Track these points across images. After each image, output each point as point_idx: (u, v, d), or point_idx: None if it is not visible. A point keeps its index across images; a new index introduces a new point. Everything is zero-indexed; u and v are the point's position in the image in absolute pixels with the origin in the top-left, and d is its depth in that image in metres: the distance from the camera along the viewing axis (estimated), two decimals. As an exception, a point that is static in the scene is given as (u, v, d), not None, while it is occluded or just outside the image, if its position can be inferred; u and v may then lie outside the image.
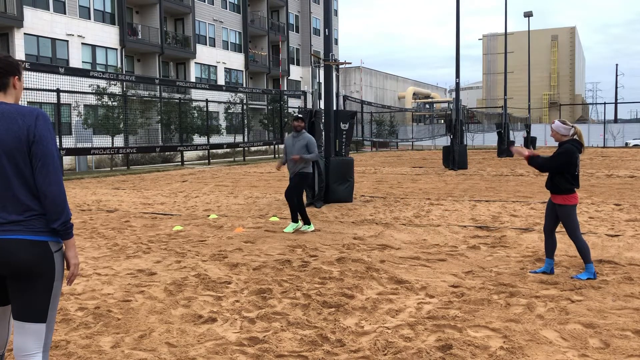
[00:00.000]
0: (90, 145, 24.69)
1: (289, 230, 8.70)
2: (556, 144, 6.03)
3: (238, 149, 35.52)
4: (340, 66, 13.85)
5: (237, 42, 49.07)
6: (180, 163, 29.81)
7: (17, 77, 2.73)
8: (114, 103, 27.10)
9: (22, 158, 2.60)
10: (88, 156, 26.31)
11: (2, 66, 2.67)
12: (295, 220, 8.82)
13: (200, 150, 29.90)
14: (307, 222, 8.80)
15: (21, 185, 2.61)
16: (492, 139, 48.29)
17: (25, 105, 2.77)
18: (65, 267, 2.76)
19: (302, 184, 8.74)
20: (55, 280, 2.69)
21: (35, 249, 2.61)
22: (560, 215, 5.88)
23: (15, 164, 2.59)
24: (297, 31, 58.43)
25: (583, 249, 5.83)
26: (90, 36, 34.73)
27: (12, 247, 2.57)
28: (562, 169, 5.74)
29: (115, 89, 28.77)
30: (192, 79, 42.33)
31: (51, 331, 2.76)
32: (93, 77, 21.35)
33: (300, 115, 8.98)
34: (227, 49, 47.61)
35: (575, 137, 5.88)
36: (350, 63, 14.04)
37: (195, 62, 43.72)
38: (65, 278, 2.71)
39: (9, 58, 2.73)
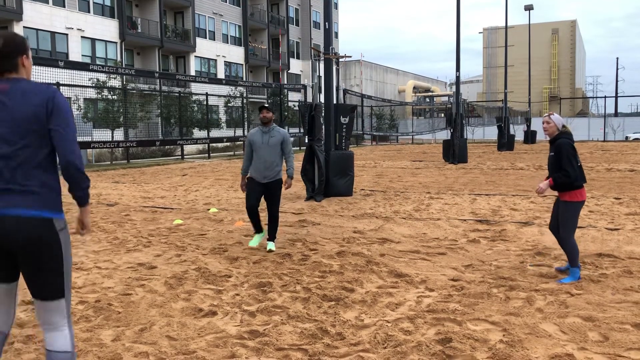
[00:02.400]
0: (90, 139, 24.67)
1: (255, 244, 7.15)
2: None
3: (238, 142, 35.49)
4: (341, 60, 13.81)
5: (237, 36, 48.95)
6: (180, 157, 29.80)
7: (25, 55, 2.77)
8: (113, 97, 27.04)
9: (41, 132, 2.67)
10: (88, 150, 26.30)
11: (10, 48, 2.71)
12: (260, 229, 7.17)
13: (200, 144, 29.88)
14: (273, 237, 7.13)
15: (40, 158, 2.68)
16: (492, 132, 48.27)
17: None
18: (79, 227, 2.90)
19: (280, 193, 7.06)
20: (64, 256, 2.77)
21: (41, 225, 2.66)
22: (563, 212, 5.60)
23: (34, 138, 2.67)
24: (297, 24, 58.27)
25: (573, 252, 5.57)
26: (90, 29, 34.64)
27: (18, 223, 2.63)
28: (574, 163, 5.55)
29: (115, 82, 28.70)
30: (192, 73, 42.27)
31: (70, 299, 2.87)
32: (93, 70, 21.27)
33: (267, 105, 6.96)
34: (227, 43, 47.50)
35: (564, 129, 5.72)
36: (350, 57, 14.01)
37: (195, 56, 43.64)
38: (78, 230, 2.89)
39: (16, 38, 2.76)
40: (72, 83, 23.08)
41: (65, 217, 2.83)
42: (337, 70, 13.46)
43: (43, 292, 2.74)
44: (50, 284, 2.74)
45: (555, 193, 6.01)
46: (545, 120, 5.71)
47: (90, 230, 2.94)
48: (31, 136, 2.66)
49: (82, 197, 2.80)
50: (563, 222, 5.62)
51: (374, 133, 45.36)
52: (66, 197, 3.41)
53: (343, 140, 12.95)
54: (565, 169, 5.47)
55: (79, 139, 25.01)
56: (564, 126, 5.70)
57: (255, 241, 7.16)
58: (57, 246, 2.72)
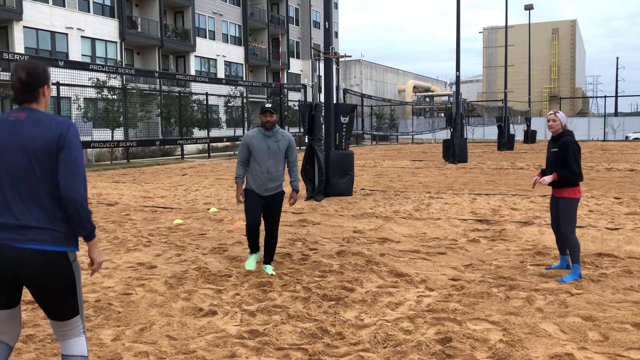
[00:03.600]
0: (90, 139, 24.67)
1: (252, 266, 6.09)
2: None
3: (238, 142, 35.47)
4: (341, 59, 13.81)
5: (237, 35, 48.94)
6: (180, 156, 29.80)
7: (45, 86, 2.76)
8: (113, 96, 27.05)
9: (52, 164, 2.65)
10: (88, 150, 26.29)
11: (31, 79, 2.69)
12: (257, 249, 6.18)
13: (200, 143, 29.89)
14: (271, 258, 6.16)
15: (51, 191, 2.66)
16: (492, 132, 48.26)
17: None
18: (89, 264, 2.90)
19: (281, 208, 6.13)
20: (77, 283, 2.80)
21: (56, 262, 2.67)
22: (562, 209, 5.64)
23: (45, 170, 2.65)
24: (297, 24, 58.26)
25: (575, 248, 5.58)
26: (90, 29, 34.63)
27: (33, 257, 2.62)
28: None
29: (115, 82, 28.71)
30: (192, 72, 42.26)
31: (83, 311, 2.90)
32: (92, 70, 21.30)
33: (268, 107, 5.82)
34: (227, 42, 47.49)
35: (567, 127, 5.76)
36: (350, 56, 14.01)
37: (195, 55, 43.62)
38: (89, 270, 2.90)
39: (38, 68, 2.72)
40: (72, 83, 23.07)
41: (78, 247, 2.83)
42: (337, 69, 13.46)
43: (58, 315, 2.78)
44: (65, 309, 2.77)
45: (550, 190, 6.02)
46: (552, 118, 5.72)
47: (101, 264, 2.91)
48: (43, 168, 2.63)
49: (87, 235, 2.75)
50: (564, 220, 5.65)
51: (374, 133, 45.36)
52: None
53: (343, 140, 12.95)
54: (571, 166, 5.50)
55: (80, 138, 25.01)
56: (566, 124, 5.74)
57: (252, 263, 6.11)
58: (71, 276, 2.74)
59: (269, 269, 5.98)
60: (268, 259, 6.08)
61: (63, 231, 2.68)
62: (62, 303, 2.74)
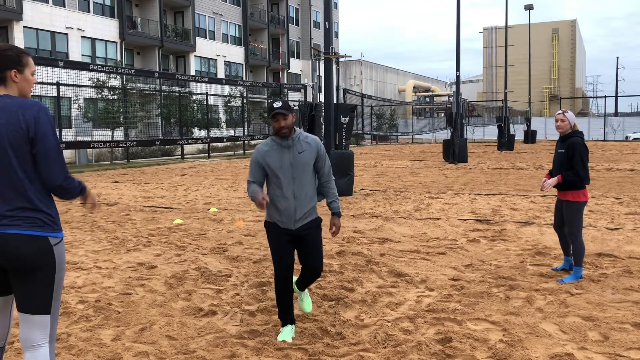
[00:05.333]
0: (90, 139, 24.68)
1: (288, 338, 4.16)
2: (557, 137, 5.77)
3: (238, 142, 35.50)
4: (341, 59, 13.81)
5: (237, 35, 48.93)
6: (180, 156, 29.80)
7: (14, 70, 2.68)
8: (113, 96, 27.06)
9: (24, 151, 2.61)
10: (88, 150, 26.30)
11: None
12: (293, 319, 4.27)
13: (200, 143, 29.89)
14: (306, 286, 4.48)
15: (24, 178, 2.62)
16: (492, 132, 48.26)
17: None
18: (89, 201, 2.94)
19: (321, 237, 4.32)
20: (57, 272, 2.71)
21: (35, 244, 2.63)
22: (567, 213, 5.57)
23: (17, 157, 2.61)
24: (297, 24, 58.25)
25: (580, 252, 5.55)
26: (90, 29, 34.62)
27: (12, 241, 2.59)
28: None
29: (115, 82, 28.72)
30: (192, 72, 42.24)
31: (56, 321, 2.79)
32: (92, 70, 21.28)
33: (278, 106, 3.99)
34: (227, 42, 47.48)
35: (576, 127, 5.70)
36: (350, 56, 14.01)
37: (195, 55, 43.61)
38: (88, 203, 2.93)
39: (7, 52, 2.69)
40: (72, 83, 23.08)
41: (63, 233, 2.80)
42: (337, 69, 13.46)
43: (29, 304, 2.67)
44: (37, 295, 2.67)
45: (555, 192, 6.00)
46: (560, 118, 5.63)
47: (98, 204, 3.02)
48: (16, 152, 2.59)
49: (79, 195, 2.82)
50: (569, 222, 5.61)
51: (374, 133, 45.36)
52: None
53: (343, 140, 12.95)
54: (576, 169, 5.43)
55: (79, 138, 25.03)
56: (574, 124, 5.65)
57: (287, 334, 4.16)
58: (51, 261, 2.68)
59: (307, 302, 4.52)
60: (304, 286, 4.45)
61: (41, 217, 2.65)
62: (37, 289, 2.66)
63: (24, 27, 30.73)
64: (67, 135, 23.24)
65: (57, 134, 2.77)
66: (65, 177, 2.69)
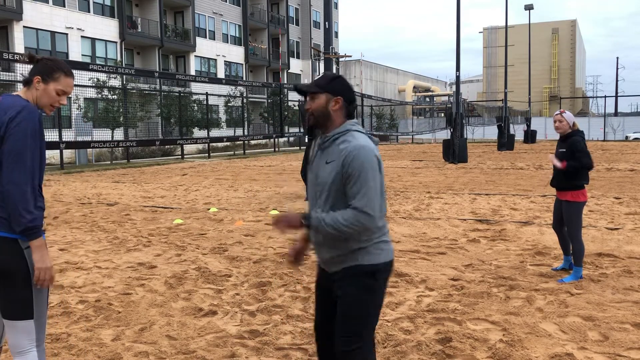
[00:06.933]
0: (90, 139, 24.67)
1: None
2: (557, 137, 5.77)
3: (238, 142, 35.50)
4: (341, 59, 13.81)
5: (237, 35, 48.93)
6: (180, 156, 29.81)
7: (39, 77, 2.68)
8: (113, 96, 27.06)
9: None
10: (88, 149, 26.30)
11: (34, 64, 2.70)
12: None
13: (200, 143, 29.90)
14: None
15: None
16: (492, 132, 48.24)
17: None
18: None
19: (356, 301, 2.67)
20: (32, 275, 2.62)
21: (5, 246, 2.56)
22: (567, 213, 5.56)
23: None
24: (297, 24, 58.25)
25: (580, 251, 5.56)
26: (90, 29, 34.63)
27: None
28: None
29: (115, 82, 28.72)
30: (192, 72, 42.24)
31: (43, 326, 2.71)
32: (92, 70, 21.31)
33: (302, 85, 2.89)
34: (227, 42, 47.48)
35: (575, 127, 5.70)
36: (350, 56, 14.02)
37: (195, 55, 43.62)
38: (35, 281, 2.63)
39: (46, 60, 2.72)
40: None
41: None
42: (337, 69, 13.44)
43: (10, 310, 2.61)
44: (17, 300, 2.60)
45: (554, 192, 6.01)
46: (558, 118, 5.63)
47: (49, 277, 2.62)
48: None
49: (24, 232, 2.55)
50: (568, 222, 5.62)
51: (374, 132, 45.34)
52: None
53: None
54: (579, 158, 5.43)
55: (79, 138, 25.02)
56: (574, 124, 5.65)
57: None
58: (24, 263, 2.59)
59: None
60: None
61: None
62: (14, 292, 2.59)
63: (24, 27, 30.73)
64: (67, 135, 23.23)
65: (37, 142, 2.58)
66: (24, 188, 2.51)
